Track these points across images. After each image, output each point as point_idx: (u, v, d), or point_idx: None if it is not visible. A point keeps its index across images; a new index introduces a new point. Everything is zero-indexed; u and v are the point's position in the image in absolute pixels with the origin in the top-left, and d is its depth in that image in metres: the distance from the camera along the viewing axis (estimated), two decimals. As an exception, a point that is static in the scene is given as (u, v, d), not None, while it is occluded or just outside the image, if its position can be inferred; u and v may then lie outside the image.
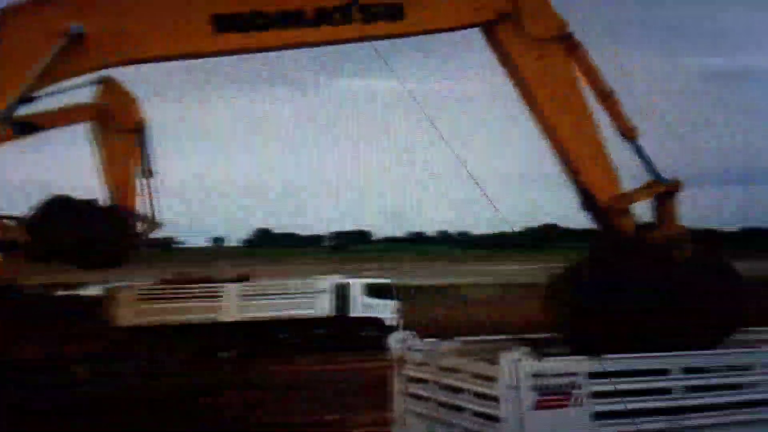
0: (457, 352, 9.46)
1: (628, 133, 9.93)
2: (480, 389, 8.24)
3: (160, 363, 23.00)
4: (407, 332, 10.17)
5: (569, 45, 9.92)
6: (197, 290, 29.53)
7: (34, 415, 15.81)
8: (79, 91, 13.04)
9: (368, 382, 19.21)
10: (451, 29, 9.89)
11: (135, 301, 27.95)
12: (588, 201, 9.90)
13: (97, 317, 28.61)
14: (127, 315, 27.32)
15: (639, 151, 9.95)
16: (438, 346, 9.61)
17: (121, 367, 21.85)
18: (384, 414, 10.41)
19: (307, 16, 9.20)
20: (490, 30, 9.90)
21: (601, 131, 9.91)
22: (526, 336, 9.90)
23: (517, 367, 7.67)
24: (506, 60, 9.94)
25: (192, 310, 28.17)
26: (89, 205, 19.00)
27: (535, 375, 7.66)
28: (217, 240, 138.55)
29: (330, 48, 10.26)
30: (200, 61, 10.02)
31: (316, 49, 10.36)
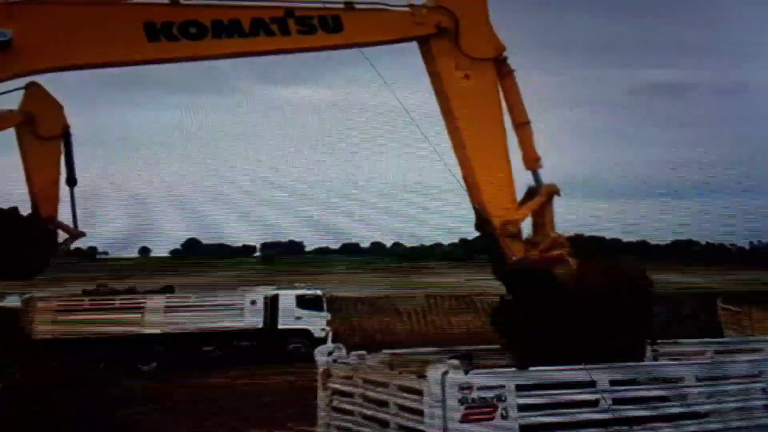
0: (385, 364, 9.25)
1: (532, 163, 10.08)
2: (406, 403, 7.99)
3: (78, 376, 22.10)
4: (334, 344, 9.92)
5: (502, 69, 9.91)
6: (119, 302, 28.59)
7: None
8: (4, 97, 12.47)
9: (294, 396, 18.84)
10: (390, 42, 9.73)
11: (54, 313, 26.88)
12: (481, 221, 9.89)
13: (15, 329, 27.45)
14: (45, 327, 26.23)
15: (537, 180, 10.10)
16: (365, 359, 9.39)
17: (37, 380, 20.87)
18: (308, 428, 10.14)
19: (243, 26, 8.90)
20: (424, 43, 9.80)
21: (509, 160, 9.99)
22: (455, 348, 9.77)
23: (444, 379, 7.42)
24: (433, 73, 9.83)
25: (114, 322, 27.25)
26: (8, 213, 18.23)
27: (462, 387, 7.41)
28: (144, 250, 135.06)
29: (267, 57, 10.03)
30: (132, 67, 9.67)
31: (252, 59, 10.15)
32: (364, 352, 9.56)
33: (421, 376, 7.69)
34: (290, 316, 30.41)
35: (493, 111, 9.95)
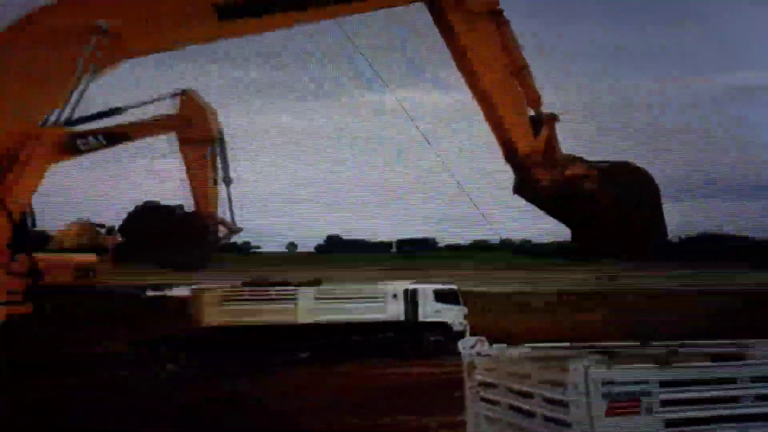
0: (526, 358, 9.44)
1: (534, 103, 11.57)
2: (550, 395, 8.20)
3: (242, 362, 23.44)
4: (477, 337, 10.16)
5: (499, 20, 11.36)
6: (274, 293, 30.04)
7: (121, 411, 16.14)
8: (162, 103, 13.63)
9: (437, 386, 19.19)
10: (405, 3, 10.82)
11: (219, 302, 28.56)
12: (509, 152, 11.34)
13: (184, 317, 29.39)
14: (211, 315, 27.94)
15: (539, 115, 11.69)
16: (507, 352, 9.60)
17: (205, 365, 22.29)
18: (456, 416, 10.41)
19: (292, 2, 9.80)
20: (433, 3, 11.35)
21: (521, 92, 11.21)
22: (594, 344, 9.87)
23: (587, 374, 7.62)
24: (446, 29, 11.07)
25: (270, 312, 28.68)
26: (175, 211, 19.68)
27: (605, 382, 7.59)
28: (291, 245, 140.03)
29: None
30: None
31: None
32: (504, 345, 9.80)
33: (564, 369, 7.88)
34: (429, 309, 30.91)
35: (499, 55, 11.20)
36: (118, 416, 15.50)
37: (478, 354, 9.70)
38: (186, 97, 18.28)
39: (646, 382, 7.65)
